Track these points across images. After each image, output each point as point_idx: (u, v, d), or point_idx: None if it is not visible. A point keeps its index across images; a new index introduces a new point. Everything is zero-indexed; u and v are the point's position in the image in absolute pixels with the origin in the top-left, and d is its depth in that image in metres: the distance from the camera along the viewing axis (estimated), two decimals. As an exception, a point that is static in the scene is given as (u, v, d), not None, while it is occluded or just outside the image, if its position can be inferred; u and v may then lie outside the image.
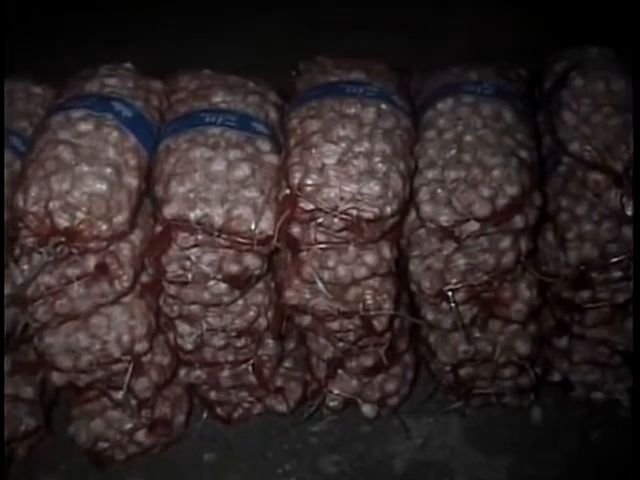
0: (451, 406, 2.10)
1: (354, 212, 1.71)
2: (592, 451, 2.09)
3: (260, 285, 1.90)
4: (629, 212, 1.76)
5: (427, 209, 1.77)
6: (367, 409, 2.06)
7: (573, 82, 1.92)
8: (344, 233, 1.75)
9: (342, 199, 1.68)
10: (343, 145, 1.64)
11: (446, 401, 2.12)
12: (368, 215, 1.71)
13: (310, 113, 1.72)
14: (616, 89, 1.90)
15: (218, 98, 1.91)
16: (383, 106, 1.86)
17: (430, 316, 1.93)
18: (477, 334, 1.98)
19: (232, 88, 1.94)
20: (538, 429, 2.14)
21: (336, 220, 1.71)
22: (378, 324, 1.86)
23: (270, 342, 1.95)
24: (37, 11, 3.52)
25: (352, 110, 1.83)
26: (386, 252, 1.82)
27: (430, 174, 1.74)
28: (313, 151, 1.62)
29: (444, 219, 1.76)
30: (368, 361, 2.00)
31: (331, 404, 1.95)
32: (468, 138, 1.81)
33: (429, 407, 2.14)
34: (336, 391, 2.01)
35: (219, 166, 1.70)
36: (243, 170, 1.70)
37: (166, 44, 3.39)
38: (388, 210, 1.66)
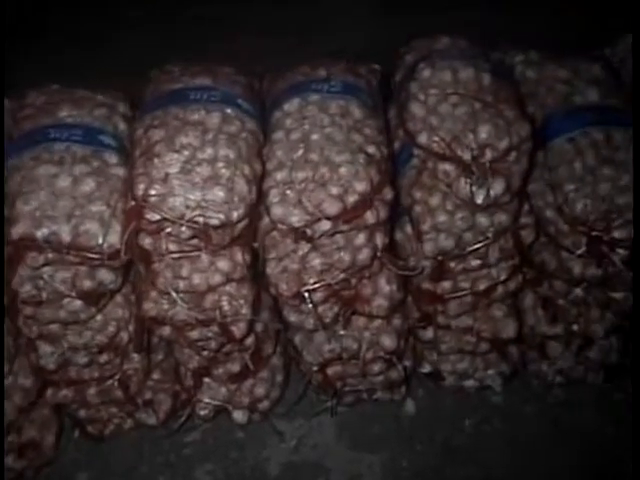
0: (323, 406, 2.14)
1: (201, 219, 1.73)
2: (466, 438, 2.15)
3: (119, 299, 1.92)
4: (479, 200, 1.82)
5: (277, 211, 1.80)
6: (238, 415, 2.10)
7: (421, 73, 1.95)
8: (194, 241, 1.77)
9: (187, 207, 1.69)
10: (186, 153, 1.66)
11: (318, 401, 2.18)
12: (214, 222, 1.74)
13: (154, 122, 1.74)
14: (464, 78, 1.95)
15: (64, 113, 1.92)
16: (228, 110, 1.89)
17: (292, 317, 1.97)
18: (342, 332, 2.02)
19: (79, 102, 1.95)
20: (412, 421, 2.20)
21: (184, 229, 1.74)
22: (237, 330, 1.90)
23: (135, 356, 1.97)
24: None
25: (196, 117, 1.85)
26: (239, 257, 1.86)
27: (279, 176, 1.74)
28: (156, 161, 1.63)
29: (295, 220, 1.79)
30: (234, 367, 2.04)
31: (202, 413, 1.99)
32: (315, 137, 1.84)
33: (302, 408, 2.18)
34: (206, 399, 2.05)
35: (64, 182, 1.71)
36: (88, 184, 1.71)
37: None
38: (235, 215, 1.69)
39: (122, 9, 3.22)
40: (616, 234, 1.80)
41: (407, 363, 2.16)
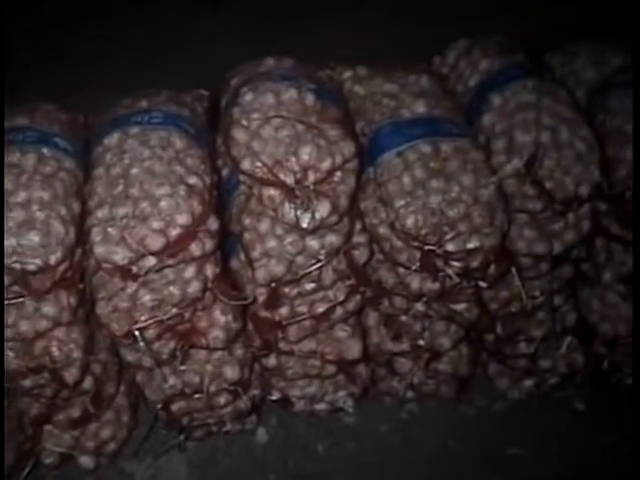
0: (172, 442, 2.17)
1: (17, 266, 1.75)
2: (318, 463, 2.20)
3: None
4: (305, 224, 1.86)
5: (100, 250, 1.82)
6: (85, 460, 2.11)
7: (244, 98, 2.00)
8: (15, 288, 1.79)
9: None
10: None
11: (168, 438, 2.20)
12: (32, 267, 1.76)
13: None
14: (286, 100, 1.98)
15: None
16: (44, 150, 1.91)
17: (129, 357, 2.00)
18: (182, 367, 2.05)
19: None
20: (264, 451, 2.24)
21: (3, 276, 1.75)
22: (69, 375, 1.91)
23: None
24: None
25: (12, 159, 1.88)
26: (64, 300, 1.87)
27: (100, 213, 1.77)
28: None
29: (119, 258, 1.81)
30: (75, 412, 2.04)
31: (47, 461, 2.00)
32: (135, 171, 1.88)
33: (151, 447, 2.19)
34: (50, 447, 2.07)
35: None
36: None
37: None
38: (53, 259, 1.73)
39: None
40: (449, 247, 1.84)
41: (255, 392, 2.19)
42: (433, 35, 2.57)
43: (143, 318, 1.90)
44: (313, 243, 1.94)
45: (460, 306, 2.13)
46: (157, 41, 3.59)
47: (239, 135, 1.95)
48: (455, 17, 3.36)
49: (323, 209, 1.87)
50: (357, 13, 3.59)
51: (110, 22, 3.68)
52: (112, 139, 1.94)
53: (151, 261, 1.84)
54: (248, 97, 2.01)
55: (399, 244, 1.96)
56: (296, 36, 3.36)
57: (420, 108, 2.11)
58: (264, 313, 2.04)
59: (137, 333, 1.89)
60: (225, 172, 2.14)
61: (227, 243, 2.06)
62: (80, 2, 3.61)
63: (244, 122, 1.97)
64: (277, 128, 1.94)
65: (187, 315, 1.96)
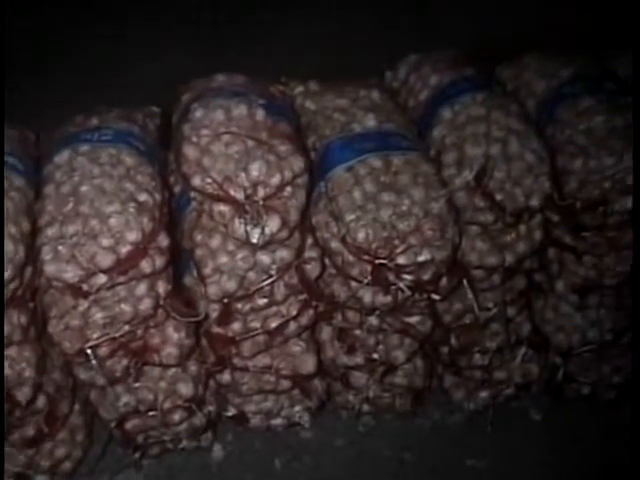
0: (128, 460, 2.19)
1: (-34, 284, 1.76)
2: (276, 479, 2.21)
3: None
4: (254, 240, 1.88)
5: (50, 268, 1.83)
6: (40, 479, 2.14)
7: (194, 114, 2.01)
8: (-35, 306, 1.80)
9: (-46, 274, 1.72)
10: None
11: (123, 456, 2.22)
12: (-19, 286, 1.77)
13: None
14: (237, 116, 2.00)
15: None
16: (-8, 169, 1.92)
17: (82, 375, 2.01)
18: (136, 384, 2.06)
19: None
20: (220, 468, 2.25)
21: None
22: (21, 395, 1.91)
23: None
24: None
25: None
26: (15, 319, 1.89)
27: (50, 231, 1.75)
28: None
29: (69, 276, 1.82)
30: (29, 431, 2.05)
31: (2, 481, 2.00)
32: (84, 189, 1.88)
33: (107, 465, 2.21)
34: (5, 466, 2.07)
35: None
36: None
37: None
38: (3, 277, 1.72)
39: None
40: (400, 260, 1.84)
41: (211, 408, 2.21)
42: (385, 50, 2.57)
43: (95, 336, 1.91)
44: (264, 258, 1.95)
45: (414, 319, 2.14)
46: (109, 56, 3.58)
47: (189, 151, 1.96)
48: (407, 31, 3.38)
49: (273, 224, 1.89)
50: (308, 27, 3.58)
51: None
52: (62, 157, 1.95)
53: (102, 279, 1.85)
54: (198, 113, 2.02)
55: (351, 258, 1.97)
56: (247, 51, 3.37)
57: (371, 122, 2.13)
58: (217, 329, 2.05)
59: (89, 351, 1.90)
60: (177, 189, 2.15)
61: (181, 260, 2.05)
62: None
63: (194, 138, 1.98)
64: (227, 144, 1.96)
65: (139, 332, 1.97)
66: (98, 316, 1.91)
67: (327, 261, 2.05)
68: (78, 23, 3.69)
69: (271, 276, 1.98)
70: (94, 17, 3.73)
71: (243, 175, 1.90)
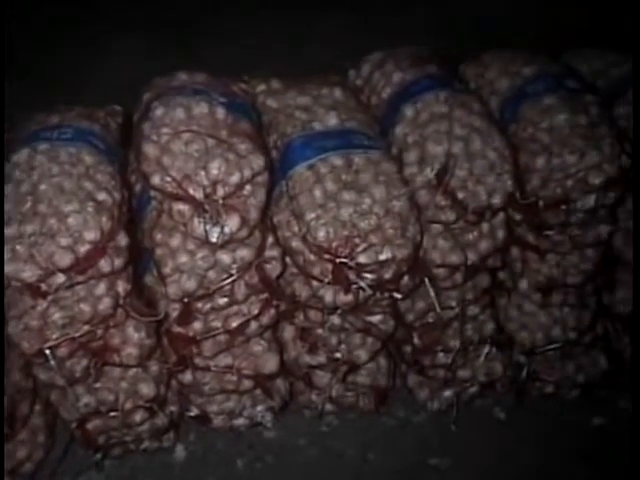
0: (89, 462, 2.20)
1: None
2: (239, 479, 2.22)
3: None
4: (214, 239, 1.89)
5: (8, 268, 1.83)
6: (1, 482, 2.14)
7: (154, 112, 2.01)
8: None
9: None
10: None
11: (85, 456, 2.21)
12: (-63, 286, 1.77)
13: None
14: (197, 114, 2.01)
15: None
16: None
17: (42, 375, 2.01)
18: (97, 385, 2.07)
19: None
20: (182, 468, 2.26)
21: None
22: (-22, 396, 1.92)
23: None
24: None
25: None
26: (-27, 320, 1.89)
27: (8, 231, 1.74)
28: None
29: (27, 275, 1.82)
30: (-12, 433, 2.07)
31: (-38, 483, 2.00)
32: (43, 187, 1.87)
33: (69, 466, 2.20)
34: (-36, 469, 2.08)
35: None
36: None
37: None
38: (-41, 277, 1.73)
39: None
40: (361, 259, 1.85)
41: (173, 408, 2.21)
42: (349, 47, 2.59)
43: (54, 336, 1.91)
44: (224, 257, 1.96)
45: (376, 318, 2.15)
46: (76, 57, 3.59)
47: (149, 150, 1.97)
48: (370, 30, 3.40)
49: (232, 223, 1.90)
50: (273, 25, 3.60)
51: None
52: (21, 155, 1.93)
53: (60, 278, 1.86)
54: (159, 112, 2.03)
55: (312, 257, 1.96)
56: (211, 48, 3.39)
57: (333, 120, 2.14)
58: (178, 329, 2.06)
59: (48, 352, 1.90)
60: (138, 188, 2.15)
61: (142, 259, 2.06)
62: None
63: (154, 137, 1.98)
64: (187, 143, 1.96)
65: (99, 332, 1.97)
66: (57, 316, 1.91)
67: (288, 260, 2.06)
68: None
69: (231, 275, 1.98)
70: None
71: (202, 174, 1.90)
